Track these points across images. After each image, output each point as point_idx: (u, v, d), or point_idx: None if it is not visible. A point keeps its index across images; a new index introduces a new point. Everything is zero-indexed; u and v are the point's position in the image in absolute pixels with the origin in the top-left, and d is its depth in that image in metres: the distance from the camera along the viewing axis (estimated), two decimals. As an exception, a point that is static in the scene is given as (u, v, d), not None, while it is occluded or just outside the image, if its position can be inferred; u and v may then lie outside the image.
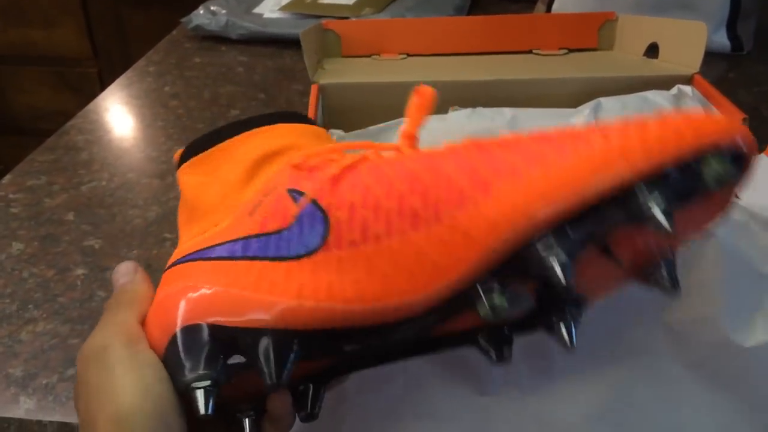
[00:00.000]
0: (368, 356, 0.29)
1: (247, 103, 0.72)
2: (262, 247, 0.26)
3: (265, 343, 0.25)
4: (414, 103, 0.30)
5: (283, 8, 0.91)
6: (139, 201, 0.56)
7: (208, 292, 0.26)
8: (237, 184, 0.29)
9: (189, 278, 0.27)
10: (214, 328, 0.25)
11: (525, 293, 0.25)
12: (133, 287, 0.29)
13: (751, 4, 0.79)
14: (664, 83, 0.50)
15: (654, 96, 0.48)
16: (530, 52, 0.64)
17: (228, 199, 0.29)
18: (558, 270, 0.22)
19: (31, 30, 1.41)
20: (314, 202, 0.26)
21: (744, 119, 0.43)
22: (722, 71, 0.78)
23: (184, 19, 0.90)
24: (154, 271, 0.48)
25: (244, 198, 0.29)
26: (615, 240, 0.24)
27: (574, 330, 0.26)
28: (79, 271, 0.49)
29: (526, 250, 0.23)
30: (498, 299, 0.23)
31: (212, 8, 0.90)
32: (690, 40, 0.52)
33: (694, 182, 0.22)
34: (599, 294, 0.28)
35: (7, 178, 0.59)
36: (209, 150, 0.31)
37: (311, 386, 0.28)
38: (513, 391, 0.34)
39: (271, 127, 0.31)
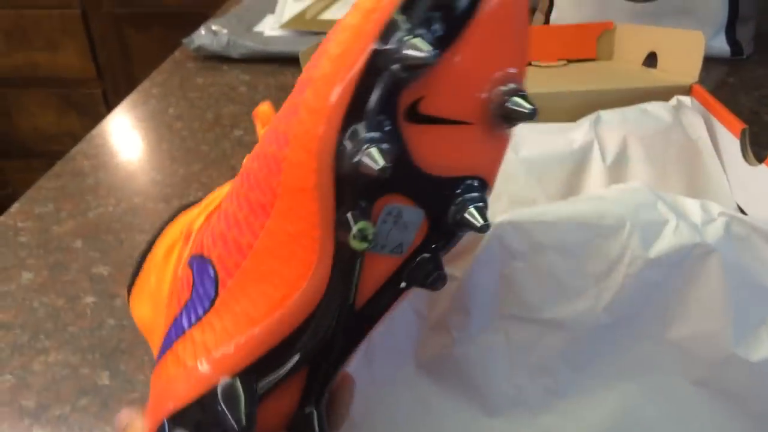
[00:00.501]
0: (324, 356, 0.27)
1: (249, 123, 0.73)
2: (186, 320, 0.27)
3: (220, 395, 0.25)
4: (258, 129, 0.32)
5: (284, 26, 0.92)
6: (146, 226, 0.57)
7: (160, 387, 0.27)
8: (159, 286, 0.30)
9: (153, 386, 0.28)
10: (173, 419, 0.26)
11: (394, 206, 0.25)
12: None
13: (749, 8, 0.79)
14: (663, 94, 0.50)
15: (653, 108, 0.48)
16: (529, 64, 0.65)
17: (160, 306, 0.30)
18: (374, 157, 0.22)
19: (34, 53, 1.43)
20: (200, 256, 0.27)
21: (743, 130, 0.43)
22: (722, 76, 0.78)
23: (185, 40, 0.91)
24: None
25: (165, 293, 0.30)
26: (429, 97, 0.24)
27: (475, 211, 0.25)
28: (89, 300, 0.49)
29: (341, 160, 0.23)
30: (360, 225, 0.23)
31: (213, 28, 0.91)
32: (688, 49, 0.52)
33: None
34: (453, 164, 0.25)
35: (15, 206, 0.60)
36: (142, 268, 0.32)
37: (314, 412, 0.28)
38: (520, 411, 0.34)
39: (176, 219, 0.32)
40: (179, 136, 0.71)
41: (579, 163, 0.45)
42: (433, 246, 0.26)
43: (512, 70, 0.24)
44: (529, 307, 0.33)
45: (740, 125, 0.43)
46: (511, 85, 0.24)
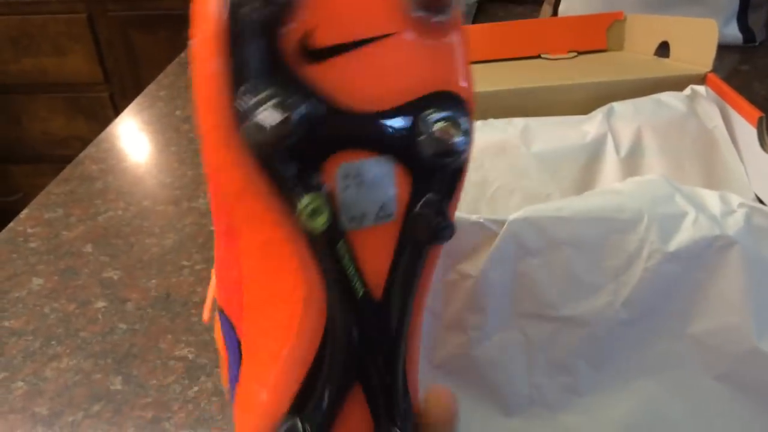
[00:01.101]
0: (368, 365, 0.24)
1: (258, 123, 0.72)
2: (233, 367, 0.25)
3: None
4: None
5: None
6: (156, 229, 0.57)
7: None
8: None
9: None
10: None
11: (348, 164, 0.21)
12: None
13: (761, -6, 0.78)
14: (676, 83, 0.49)
15: (667, 98, 0.47)
16: (539, 56, 0.64)
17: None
18: (265, 120, 0.18)
19: (42, 58, 1.43)
20: (219, 308, 0.26)
21: (761, 118, 0.42)
22: (735, 64, 0.77)
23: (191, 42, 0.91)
24: (173, 301, 0.48)
25: None
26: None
27: (444, 128, 0.21)
28: (100, 304, 0.49)
29: (249, 142, 0.19)
30: (304, 201, 0.20)
31: (219, 29, 0.90)
32: (701, 37, 0.51)
33: None
34: (395, 90, 0.21)
35: (24, 212, 0.60)
36: None
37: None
38: (539, 410, 0.34)
39: None
40: (186, 138, 0.71)
41: (593, 156, 0.44)
42: (430, 194, 0.22)
43: None
44: (546, 304, 0.33)
45: (757, 113, 0.42)
46: None
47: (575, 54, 0.64)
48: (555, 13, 0.86)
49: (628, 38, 0.63)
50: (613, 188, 0.34)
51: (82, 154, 0.69)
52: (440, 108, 0.21)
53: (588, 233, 0.32)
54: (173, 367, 0.43)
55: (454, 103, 0.21)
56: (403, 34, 0.20)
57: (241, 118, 0.19)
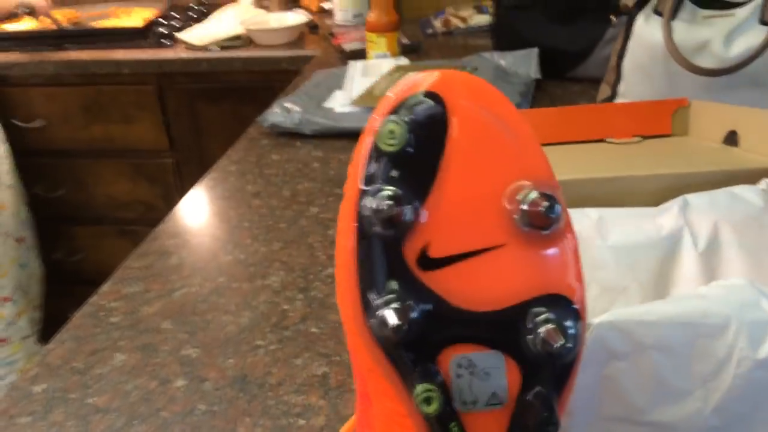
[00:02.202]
0: None
1: (325, 200, 0.75)
2: None
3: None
4: None
5: (355, 102, 0.94)
6: (231, 306, 0.58)
7: None
8: None
9: None
10: None
11: (461, 356, 0.24)
12: None
13: (826, 77, 0.78)
14: (749, 176, 0.50)
15: (742, 191, 0.47)
16: (603, 140, 0.65)
17: None
18: (386, 320, 0.23)
19: (111, 125, 1.49)
20: None
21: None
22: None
23: (259, 118, 0.95)
24: (248, 382, 0.50)
25: None
26: None
27: (549, 332, 0.23)
28: (179, 383, 0.50)
29: (375, 334, 0.24)
30: (420, 388, 0.23)
31: (286, 105, 0.94)
32: (772, 129, 0.52)
33: None
34: (504, 293, 0.24)
35: (105, 286, 0.62)
36: None
37: None
38: None
39: None
40: (258, 214, 0.73)
41: (670, 249, 0.44)
42: (540, 385, 0.24)
43: (523, 182, 0.24)
44: (633, 408, 0.33)
45: (837, 211, 0.42)
46: (525, 191, 0.23)
47: (640, 139, 0.65)
48: (613, 92, 0.87)
49: (693, 124, 0.64)
50: (698, 292, 0.34)
51: (158, 228, 0.72)
52: (548, 310, 0.23)
53: (675, 338, 0.32)
54: (254, 452, 0.44)
55: (563, 306, 0.24)
56: (512, 245, 0.24)
57: (370, 313, 0.23)
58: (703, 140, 0.61)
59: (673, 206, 0.46)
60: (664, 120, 0.65)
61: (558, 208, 0.23)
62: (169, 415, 0.47)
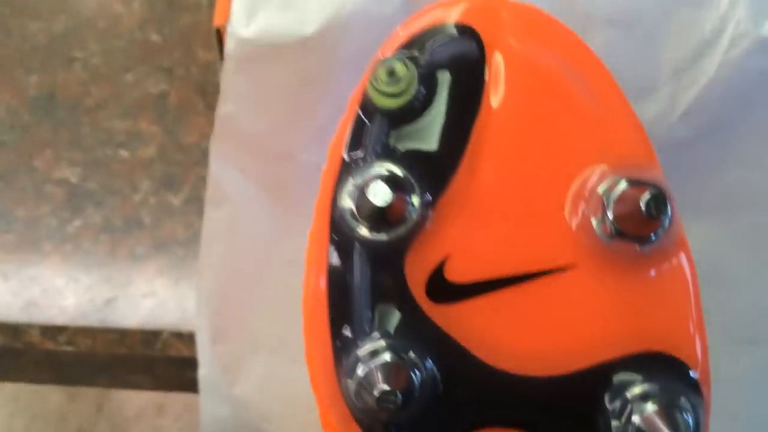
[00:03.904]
0: None
1: None
2: None
3: None
4: None
5: None
6: (43, 10, 0.45)
7: None
8: None
9: None
10: None
11: None
12: None
13: None
14: None
15: None
16: None
17: None
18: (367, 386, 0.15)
19: None
20: None
21: None
22: None
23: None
24: (56, 105, 0.38)
25: None
26: None
27: (646, 416, 0.16)
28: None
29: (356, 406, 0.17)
30: None
31: None
32: None
33: None
34: (570, 346, 0.17)
35: None
36: None
37: None
38: None
39: None
40: None
41: None
42: None
43: (606, 166, 0.16)
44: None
45: None
46: (610, 179, 0.16)
47: None
48: None
49: None
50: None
51: None
52: (647, 379, 0.15)
53: (641, 7, 0.22)
54: (50, 194, 0.33)
55: (672, 374, 0.15)
56: (586, 267, 0.16)
57: (345, 367, 0.15)
58: None
59: None
60: None
61: (667, 207, 0.15)
62: None
